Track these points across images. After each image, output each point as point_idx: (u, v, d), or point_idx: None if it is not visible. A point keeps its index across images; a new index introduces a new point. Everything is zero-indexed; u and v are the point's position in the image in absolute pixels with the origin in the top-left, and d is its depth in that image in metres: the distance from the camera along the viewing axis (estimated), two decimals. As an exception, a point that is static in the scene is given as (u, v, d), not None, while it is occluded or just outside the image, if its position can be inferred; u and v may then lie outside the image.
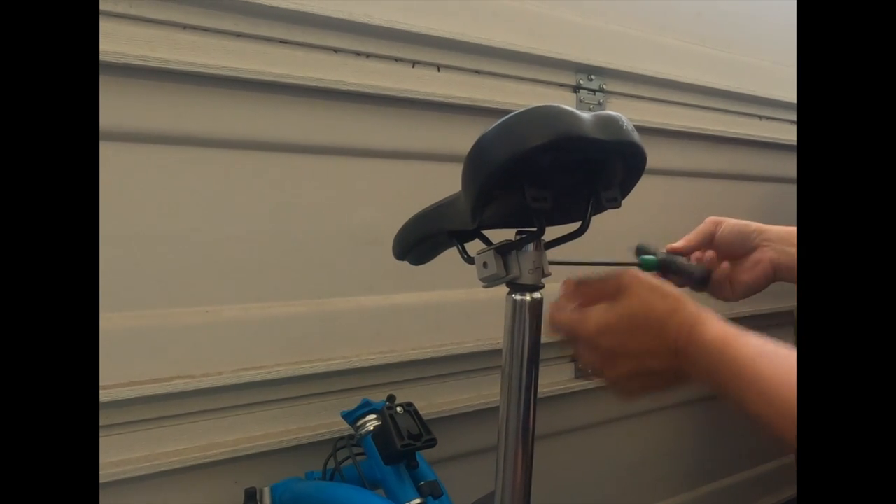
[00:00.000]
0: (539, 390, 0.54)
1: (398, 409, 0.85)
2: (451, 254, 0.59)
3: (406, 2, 0.94)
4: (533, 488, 0.55)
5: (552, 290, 0.54)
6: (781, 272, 0.65)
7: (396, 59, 0.96)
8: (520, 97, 1.08)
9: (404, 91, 0.95)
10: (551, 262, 0.54)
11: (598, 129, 0.46)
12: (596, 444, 1.34)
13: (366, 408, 0.86)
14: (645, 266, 0.63)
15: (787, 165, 1.55)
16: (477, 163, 0.47)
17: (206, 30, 0.81)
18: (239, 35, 0.83)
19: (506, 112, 0.45)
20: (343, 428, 0.90)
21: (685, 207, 1.34)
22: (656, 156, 1.26)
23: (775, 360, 0.43)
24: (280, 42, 0.86)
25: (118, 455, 0.82)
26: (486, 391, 1.10)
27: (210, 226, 0.86)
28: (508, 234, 0.54)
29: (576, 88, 1.17)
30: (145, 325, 0.82)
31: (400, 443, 0.79)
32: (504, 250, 0.52)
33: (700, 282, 0.64)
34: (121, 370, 0.80)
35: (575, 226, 0.53)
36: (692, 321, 0.47)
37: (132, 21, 0.76)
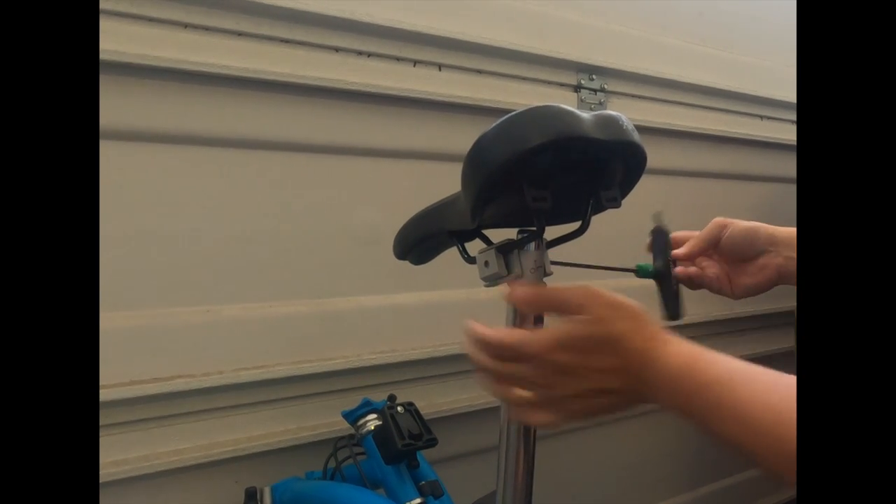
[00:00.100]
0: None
1: (399, 408, 0.85)
2: (452, 253, 0.59)
3: (407, 1, 0.94)
4: (534, 488, 0.55)
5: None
6: (786, 278, 0.64)
7: (398, 59, 0.96)
8: (521, 97, 1.08)
9: (405, 90, 0.95)
10: (553, 262, 0.54)
11: (598, 128, 0.46)
12: (597, 444, 1.34)
13: (366, 407, 0.86)
14: (641, 273, 0.63)
15: (788, 165, 1.55)
16: (477, 163, 0.47)
17: (207, 29, 0.81)
18: (240, 34, 0.83)
19: (507, 111, 0.45)
20: (343, 427, 0.90)
21: (686, 207, 1.34)
22: (657, 155, 1.26)
23: (745, 381, 0.41)
24: (281, 41, 0.86)
25: (118, 454, 0.82)
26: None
27: (210, 225, 0.86)
28: (508, 233, 0.54)
29: (577, 88, 1.17)
30: (146, 324, 0.82)
31: (401, 442, 0.79)
32: (506, 249, 0.52)
33: (669, 317, 0.62)
34: (121, 369, 0.80)
35: (575, 225, 0.53)
36: (652, 342, 0.44)
37: (133, 20, 0.76)
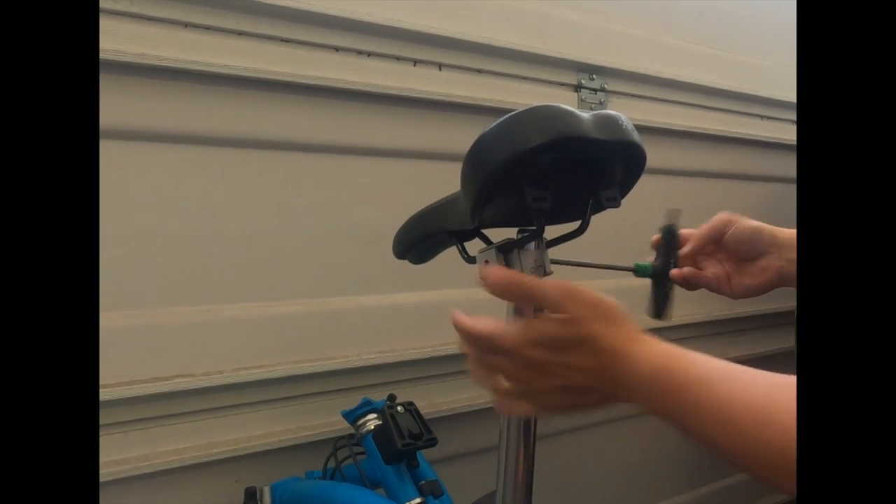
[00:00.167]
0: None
1: (399, 408, 0.85)
2: (451, 253, 0.59)
3: (407, 1, 0.94)
4: (534, 487, 0.55)
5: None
6: (786, 280, 0.64)
7: (398, 58, 0.96)
8: (521, 96, 1.08)
9: (405, 90, 0.95)
10: (553, 261, 0.54)
11: (597, 128, 0.46)
12: (597, 444, 1.34)
13: (366, 407, 0.86)
14: (639, 272, 0.63)
15: (789, 165, 1.55)
16: (476, 162, 0.47)
17: (207, 28, 0.81)
18: (240, 33, 0.83)
19: (507, 111, 0.45)
20: (343, 427, 0.90)
21: (687, 207, 1.32)
22: (658, 155, 1.26)
23: (723, 380, 0.40)
24: (281, 40, 0.86)
25: (118, 454, 0.82)
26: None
27: (210, 224, 0.86)
28: (507, 232, 0.54)
29: (577, 88, 1.17)
30: (146, 323, 0.82)
31: (400, 442, 0.79)
32: (506, 249, 0.52)
33: (655, 316, 0.63)
34: (121, 369, 0.80)
35: (575, 225, 0.53)
36: (628, 344, 0.44)
37: (133, 19, 0.76)
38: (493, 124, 0.46)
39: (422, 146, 1.01)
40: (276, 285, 0.91)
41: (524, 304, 0.50)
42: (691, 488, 1.57)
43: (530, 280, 0.47)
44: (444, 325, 1.04)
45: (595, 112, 0.47)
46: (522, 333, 0.46)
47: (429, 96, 0.97)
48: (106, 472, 0.80)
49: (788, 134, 1.51)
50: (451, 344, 1.04)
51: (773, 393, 0.38)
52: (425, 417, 0.85)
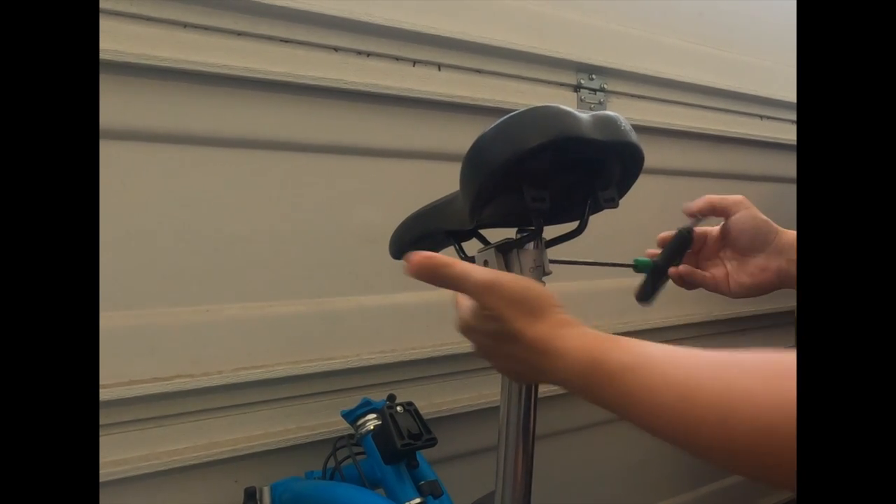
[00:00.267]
0: (539, 390, 0.54)
1: (398, 408, 0.85)
2: (450, 253, 0.59)
3: (407, 1, 0.94)
4: (533, 488, 0.55)
5: (552, 289, 0.54)
6: (786, 281, 0.64)
7: (397, 58, 0.96)
8: (520, 96, 1.08)
9: (405, 90, 0.96)
10: (551, 261, 0.54)
11: (596, 129, 0.46)
12: (597, 444, 1.34)
13: (366, 407, 0.86)
14: (639, 268, 0.63)
15: (788, 165, 1.55)
16: (475, 163, 0.47)
17: (207, 28, 0.81)
18: (240, 34, 0.83)
19: (506, 111, 0.45)
20: (343, 427, 0.90)
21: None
22: (657, 155, 1.26)
23: (652, 364, 0.40)
24: (281, 41, 0.86)
25: (118, 454, 0.82)
26: (487, 391, 1.10)
27: (210, 224, 0.86)
28: (504, 232, 0.54)
29: (576, 88, 1.17)
30: (145, 323, 0.82)
31: (400, 442, 0.79)
32: (505, 249, 0.52)
33: (642, 297, 0.63)
34: (121, 369, 0.80)
35: (573, 225, 0.53)
36: (553, 342, 0.43)
37: (133, 19, 0.76)
38: (493, 125, 0.46)
39: (421, 146, 1.01)
40: (276, 285, 0.91)
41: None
42: (691, 488, 1.57)
43: (453, 268, 0.46)
44: (444, 326, 1.05)
45: (593, 113, 0.47)
46: (469, 315, 0.48)
47: (428, 96, 0.97)
48: (106, 472, 0.80)
49: (788, 134, 1.51)
50: (450, 344, 1.04)
51: (699, 369, 0.37)
52: (425, 417, 0.85)
